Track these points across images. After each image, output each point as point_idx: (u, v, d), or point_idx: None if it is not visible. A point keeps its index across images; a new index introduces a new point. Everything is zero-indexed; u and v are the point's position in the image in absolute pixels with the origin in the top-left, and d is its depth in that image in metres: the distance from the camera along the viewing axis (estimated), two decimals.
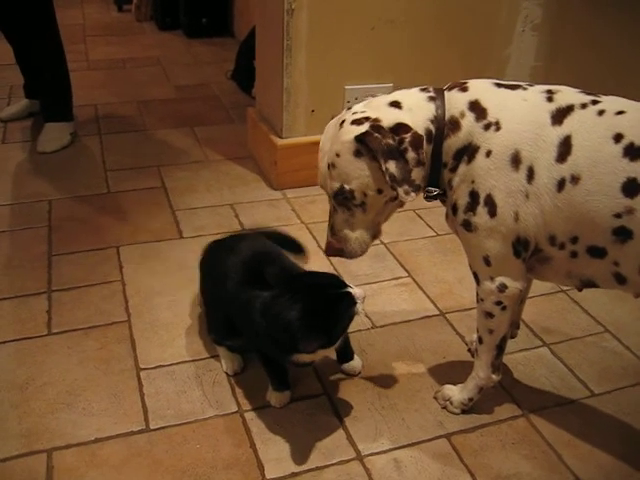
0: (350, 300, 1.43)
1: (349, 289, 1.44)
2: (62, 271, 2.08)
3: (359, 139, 1.33)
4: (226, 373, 1.71)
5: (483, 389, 1.58)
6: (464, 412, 1.61)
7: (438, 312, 1.96)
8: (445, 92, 1.38)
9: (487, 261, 1.39)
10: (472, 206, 1.35)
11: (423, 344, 1.83)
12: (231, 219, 2.39)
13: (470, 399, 1.59)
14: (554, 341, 1.86)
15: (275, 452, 1.50)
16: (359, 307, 1.44)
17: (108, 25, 4.86)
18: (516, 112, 1.30)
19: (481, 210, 1.34)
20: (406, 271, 2.14)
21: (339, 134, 1.38)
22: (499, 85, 1.36)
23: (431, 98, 1.37)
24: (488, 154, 1.31)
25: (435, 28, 2.57)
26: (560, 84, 1.35)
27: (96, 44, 4.35)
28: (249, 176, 2.72)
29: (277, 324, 1.42)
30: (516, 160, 1.29)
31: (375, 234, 1.50)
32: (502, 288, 1.40)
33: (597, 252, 1.27)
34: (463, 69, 2.56)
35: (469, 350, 1.78)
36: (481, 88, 1.36)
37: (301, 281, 1.50)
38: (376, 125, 1.33)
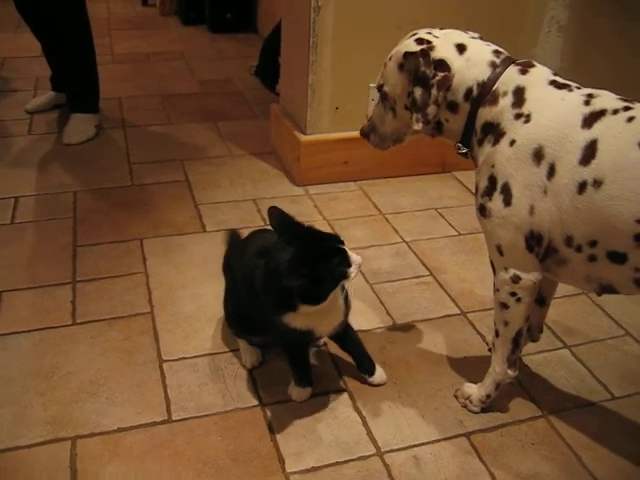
0: (344, 257, 1.43)
1: (347, 250, 1.44)
2: (86, 262, 2.10)
3: (406, 55, 1.41)
4: (244, 366, 1.72)
5: (500, 385, 1.58)
6: (484, 411, 1.61)
7: (459, 311, 1.96)
8: (511, 65, 1.39)
9: (500, 251, 1.41)
10: (489, 191, 1.38)
11: (444, 343, 1.84)
12: (253, 214, 2.41)
13: (488, 395, 1.59)
14: (575, 343, 1.86)
15: (296, 446, 1.51)
16: (352, 271, 1.43)
17: (133, 19, 4.89)
18: (550, 109, 1.31)
19: (497, 197, 1.36)
20: (428, 270, 2.15)
21: (402, 42, 1.47)
22: (552, 81, 1.36)
23: (493, 64, 1.39)
24: (512, 143, 1.33)
25: (461, 27, 2.56)
26: (585, 86, 1.36)
27: (121, 38, 4.39)
28: (272, 172, 2.73)
29: (268, 267, 1.43)
30: (538, 155, 1.30)
31: (398, 141, 1.60)
32: (515, 279, 1.42)
33: (617, 257, 1.27)
34: None
35: (489, 350, 1.78)
36: (535, 78, 1.36)
37: (302, 230, 1.48)
38: (425, 52, 1.39)
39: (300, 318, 1.46)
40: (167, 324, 1.86)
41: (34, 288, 1.98)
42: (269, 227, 1.52)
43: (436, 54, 1.39)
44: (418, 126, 1.43)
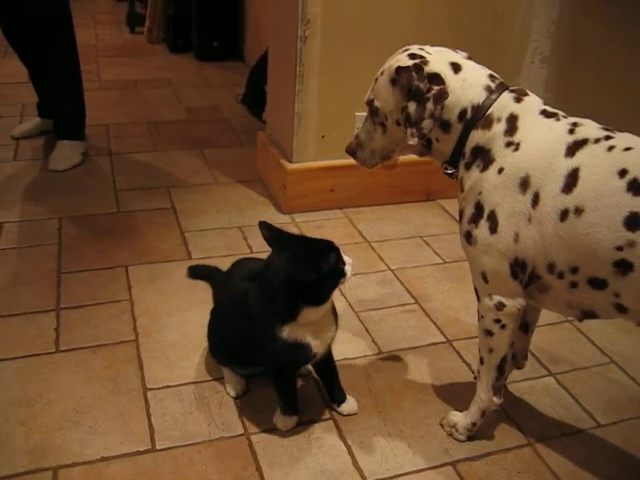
0: (339, 255, 1.46)
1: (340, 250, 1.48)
2: (71, 289, 2.09)
3: (398, 70, 1.41)
4: (228, 394, 1.71)
5: (486, 413, 1.58)
6: (470, 439, 1.61)
7: (445, 339, 1.97)
8: (505, 92, 1.40)
9: (484, 278, 1.42)
10: (475, 218, 1.39)
11: (429, 371, 1.84)
12: (239, 241, 2.40)
13: (474, 423, 1.59)
14: (560, 371, 1.87)
15: (281, 475, 1.50)
16: (348, 270, 1.46)
17: (120, 46, 4.92)
18: (539, 138, 1.33)
19: (483, 224, 1.38)
20: (413, 298, 2.15)
21: (394, 57, 1.47)
22: (542, 111, 1.37)
23: (488, 88, 1.40)
24: (500, 171, 1.35)
25: None
26: (569, 116, 1.38)
27: (108, 65, 4.41)
28: (258, 199, 2.74)
29: (266, 277, 1.45)
30: (525, 184, 1.32)
31: (386, 158, 1.58)
32: (500, 306, 1.42)
33: (598, 283, 1.28)
34: None
35: (475, 378, 1.78)
36: (528, 107, 1.37)
37: (294, 237, 1.52)
38: (419, 66, 1.39)
39: (300, 329, 1.47)
40: (152, 352, 1.85)
41: (17, 315, 1.96)
42: (251, 256, 1.53)
43: (430, 68, 1.39)
44: (413, 141, 1.41)
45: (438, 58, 1.42)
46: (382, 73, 1.47)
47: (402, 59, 1.43)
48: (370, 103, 1.51)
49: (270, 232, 1.50)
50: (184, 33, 4.70)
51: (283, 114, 2.61)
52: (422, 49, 1.45)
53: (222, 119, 3.61)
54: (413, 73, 1.38)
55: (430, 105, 1.38)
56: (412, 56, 1.43)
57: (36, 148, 3.08)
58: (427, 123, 1.39)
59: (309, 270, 1.40)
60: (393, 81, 1.43)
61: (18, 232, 2.40)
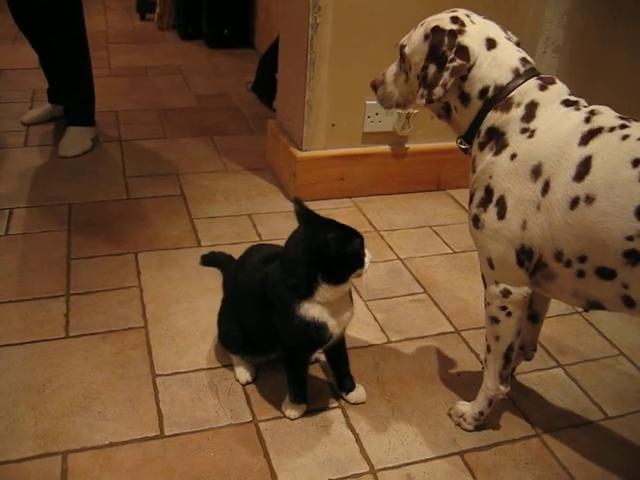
0: (362, 243, 1.47)
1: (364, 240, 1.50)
2: (81, 275, 2.10)
3: (434, 29, 1.40)
4: (238, 381, 1.72)
5: (493, 402, 1.58)
6: (477, 429, 1.61)
7: (453, 329, 1.96)
8: (533, 78, 1.37)
9: (491, 264, 1.42)
10: (485, 202, 1.38)
11: (438, 361, 1.84)
12: (249, 229, 2.41)
13: (481, 413, 1.59)
14: (569, 362, 1.86)
15: (289, 463, 1.50)
16: (367, 260, 1.48)
17: (130, 33, 4.91)
18: (554, 127, 1.31)
19: (491, 209, 1.37)
20: (422, 287, 2.15)
21: (440, 15, 1.46)
22: (563, 100, 1.35)
23: (516, 71, 1.38)
24: (513, 157, 1.34)
25: None
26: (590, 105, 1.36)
27: (118, 51, 4.40)
28: (267, 187, 2.74)
29: (289, 247, 1.49)
30: (537, 172, 1.31)
31: (401, 106, 1.61)
32: (506, 293, 1.42)
33: (606, 273, 1.27)
34: None
35: (483, 368, 1.78)
36: (551, 96, 1.35)
37: (323, 219, 1.52)
38: (454, 33, 1.38)
39: (317, 308, 1.48)
40: (161, 338, 1.85)
41: (27, 300, 1.97)
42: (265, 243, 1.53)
43: (463, 39, 1.37)
44: (420, 101, 1.42)
45: (478, 31, 1.40)
46: (422, 25, 1.46)
47: (444, 19, 1.41)
48: (401, 48, 1.51)
49: (302, 209, 1.52)
50: (194, 20, 4.69)
51: (293, 102, 2.60)
52: (468, 16, 1.42)
53: (232, 107, 3.60)
54: (445, 38, 1.37)
55: (446, 75, 1.37)
56: (454, 20, 1.40)
57: (46, 134, 3.09)
58: (438, 90, 1.39)
59: (331, 244, 1.40)
60: (426, 37, 1.42)
61: (28, 218, 2.41)
